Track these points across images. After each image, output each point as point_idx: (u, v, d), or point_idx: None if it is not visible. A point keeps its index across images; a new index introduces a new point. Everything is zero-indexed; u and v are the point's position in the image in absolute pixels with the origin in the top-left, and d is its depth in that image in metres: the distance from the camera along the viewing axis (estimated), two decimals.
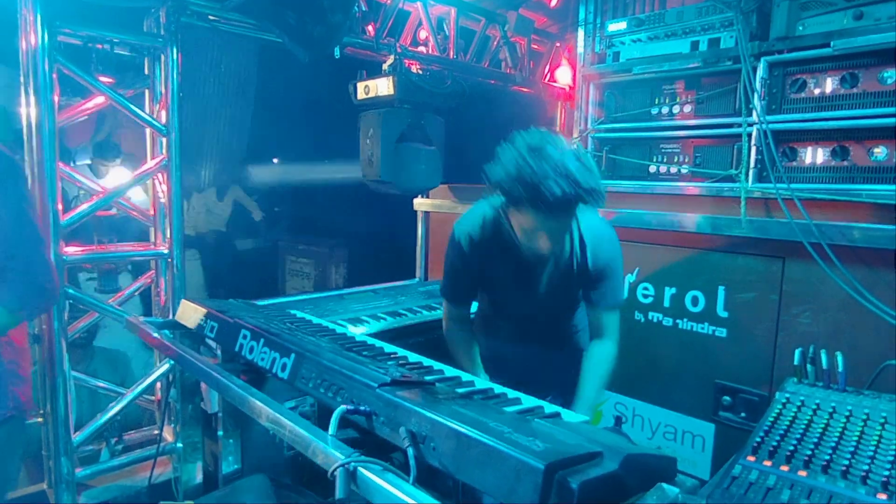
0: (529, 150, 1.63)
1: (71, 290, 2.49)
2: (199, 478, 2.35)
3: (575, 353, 2.11)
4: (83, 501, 2.58)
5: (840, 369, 1.70)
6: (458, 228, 2.01)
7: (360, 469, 1.03)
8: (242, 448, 2.23)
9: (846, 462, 1.30)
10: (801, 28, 2.28)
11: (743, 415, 2.48)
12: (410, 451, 1.05)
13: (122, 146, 3.30)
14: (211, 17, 2.85)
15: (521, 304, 2.08)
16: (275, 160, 9.51)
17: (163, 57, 2.64)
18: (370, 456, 1.08)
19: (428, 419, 1.11)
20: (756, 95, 2.36)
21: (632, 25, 2.81)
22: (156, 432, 2.93)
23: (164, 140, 2.68)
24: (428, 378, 1.41)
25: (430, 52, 3.61)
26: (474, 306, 2.24)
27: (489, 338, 2.20)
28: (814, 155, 2.31)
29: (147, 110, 2.68)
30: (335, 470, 1.04)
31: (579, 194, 1.60)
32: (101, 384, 2.77)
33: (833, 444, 1.39)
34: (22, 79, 2.30)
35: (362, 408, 1.22)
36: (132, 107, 2.59)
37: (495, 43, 4.02)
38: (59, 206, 2.37)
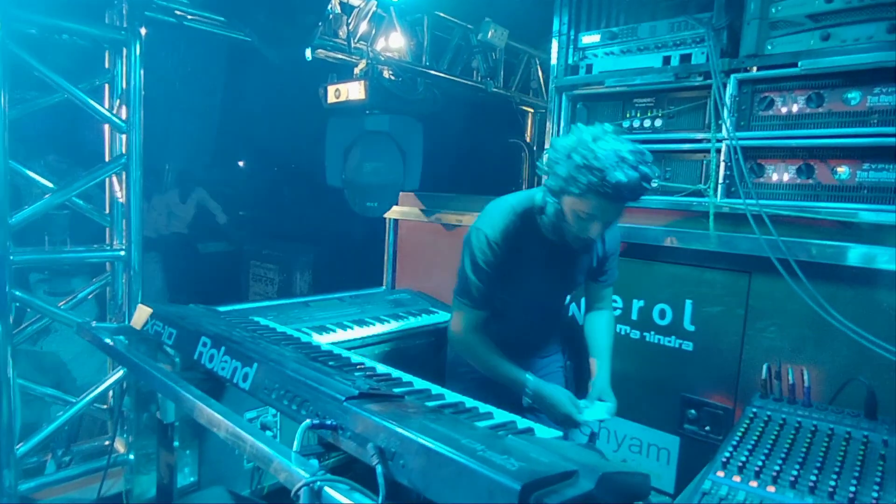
0: (594, 140, 1.73)
1: (18, 293, 2.35)
2: (152, 491, 2.24)
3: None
4: None
5: (806, 385, 1.73)
6: (489, 229, 1.96)
7: (326, 489, 0.98)
8: (200, 459, 2.13)
9: (813, 478, 1.31)
10: (770, 47, 2.32)
11: (707, 428, 2.49)
12: (379, 469, 1.01)
13: None
14: (177, 12, 2.76)
15: (543, 293, 2.16)
16: (241, 163, 9.32)
17: (125, 51, 2.53)
18: (331, 462, 1.03)
19: (397, 435, 1.06)
20: (726, 111, 2.40)
21: (605, 38, 2.82)
22: (107, 443, 2.79)
23: (124, 137, 2.57)
24: (397, 391, 1.37)
25: (403, 58, 3.58)
26: None
27: (499, 327, 2.14)
28: (781, 172, 2.35)
29: (107, 105, 2.57)
30: (299, 489, 0.98)
31: (641, 182, 1.71)
32: (49, 392, 2.63)
33: (800, 460, 1.40)
34: None
35: (328, 422, 1.17)
36: (91, 102, 2.47)
37: (468, 51, 4.02)
38: (7, 204, 2.24)
